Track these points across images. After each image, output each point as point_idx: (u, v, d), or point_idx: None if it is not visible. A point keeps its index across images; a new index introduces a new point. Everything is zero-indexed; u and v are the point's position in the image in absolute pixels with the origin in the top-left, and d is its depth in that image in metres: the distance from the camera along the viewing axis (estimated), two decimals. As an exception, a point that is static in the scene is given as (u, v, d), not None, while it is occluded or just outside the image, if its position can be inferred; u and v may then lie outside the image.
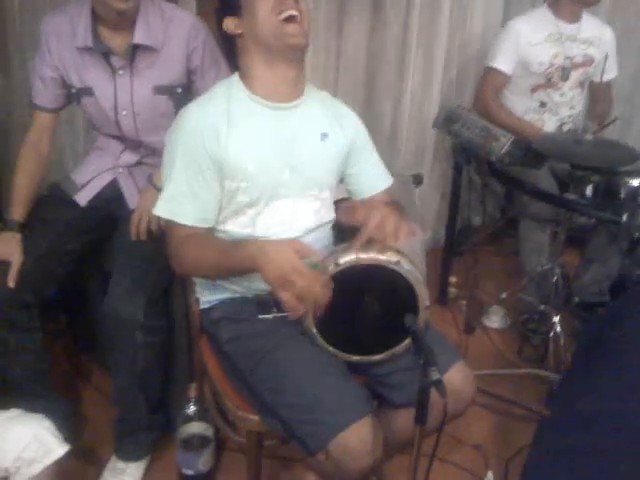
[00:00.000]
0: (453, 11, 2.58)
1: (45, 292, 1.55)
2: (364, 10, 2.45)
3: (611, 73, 2.38)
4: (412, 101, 2.66)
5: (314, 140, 1.34)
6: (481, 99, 2.32)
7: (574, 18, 2.29)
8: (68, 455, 1.23)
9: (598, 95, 2.48)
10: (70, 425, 1.50)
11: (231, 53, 1.35)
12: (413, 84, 2.63)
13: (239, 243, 1.24)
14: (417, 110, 2.70)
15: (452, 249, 2.55)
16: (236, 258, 1.20)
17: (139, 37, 1.51)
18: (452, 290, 2.56)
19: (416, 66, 2.60)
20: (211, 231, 1.31)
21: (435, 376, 1.02)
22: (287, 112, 1.31)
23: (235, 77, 1.32)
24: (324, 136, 1.35)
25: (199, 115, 1.26)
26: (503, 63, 2.28)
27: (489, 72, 2.32)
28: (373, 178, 1.46)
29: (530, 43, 2.26)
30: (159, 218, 1.45)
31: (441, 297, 2.56)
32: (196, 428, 1.57)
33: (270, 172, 1.29)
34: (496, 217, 2.86)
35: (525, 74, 2.31)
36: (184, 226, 1.26)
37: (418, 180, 2.53)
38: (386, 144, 2.68)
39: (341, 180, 1.46)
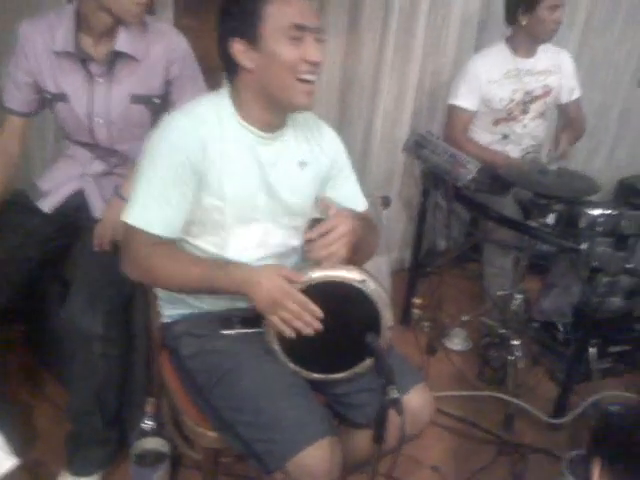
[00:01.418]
0: (427, 36, 2.63)
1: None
2: (339, 31, 2.48)
3: (576, 93, 2.46)
4: (384, 124, 2.70)
5: (292, 169, 1.33)
6: (451, 137, 2.37)
7: (530, 53, 2.37)
8: (18, 469, 1.19)
9: (570, 114, 2.54)
10: (21, 438, 1.45)
11: (228, 71, 1.26)
12: (385, 107, 2.67)
13: (224, 265, 1.23)
14: (388, 133, 2.74)
15: (417, 271, 2.58)
16: (221, 280, 1.20)
17: (121, 45, 1.51)
18: (415, 311, 2.58)
19: (389, 89, 2.64)
20: (176, 243, 1.28)
21: (393, 395, 1.03)
22: (271, 141, 1.30)
23: (225, 96, 1.27)
24: (303, 164, 1.34)
25: (187, 126, 1.22)
26: (466, 101, 2.35)
27: (454, 110, 2.39)
28: (350, 200, 1.45)
29: (490, 81, 2.33)
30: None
31: (404, 318, 2.59)
32: (152, 444, 1.54)
33: (246, 198, 1.28)
34: (461, 241, 2.91)
35: (487, 110, 2.38)
36: (153, 235, 1.22)
37: (386, 202, 2.57)
38: (357, 165, 2.68)
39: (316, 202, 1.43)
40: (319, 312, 1.15)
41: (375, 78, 2.60)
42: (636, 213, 1.89)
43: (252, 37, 1.19)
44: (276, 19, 1.17)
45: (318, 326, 1.16)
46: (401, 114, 2.71)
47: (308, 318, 1.15)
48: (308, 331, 1.16)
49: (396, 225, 2.95)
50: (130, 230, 1.24)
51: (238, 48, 1.20)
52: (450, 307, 2.64)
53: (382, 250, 2.57)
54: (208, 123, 1.24)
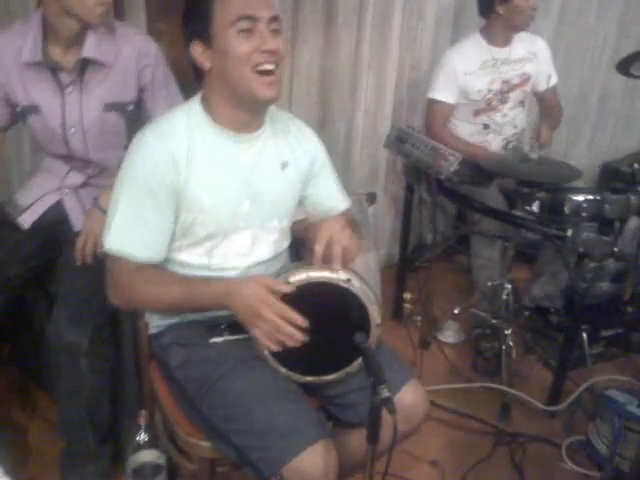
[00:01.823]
0: (403, 31, 2.63)
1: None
2: (316, 30, 2.48)
3: (553, 79, 2.47)
4: (365, 121, 2.69)
5: (274, 170, 1.32)
6: (431, 131, 2.38)
7: (506, 42, 2.38)
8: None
9: (548, 101, 2.55)
10: (14, 457, 1.44)
11: (196, 76, 1.26)
12: (366, 104, 2.67)
13: (204, 281, 1.22)
14: (370, 130, 2.73)
15: (406, 266, 2.58)
16: (202, 296, 1.19)
17: (89, 51, 1.49)
18: (407, 306, 2.58)
19: (368, 86, 2.64)
20: (161, 265, 1.27)
21: (384, 394, 1.02)
22: (249, 143, 1.28)
23: (196, 102, 1.26)
24: (284, 165, 1.33)
25: (157, 146, 1.19)
26: (444, 94, 2.36)
27: (433, 104, 2.39)
28: (331, 199, 1.45)
29: (466, 72, 2.33)
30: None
31: (396, 313, 2.59)
32: (147, 456, 1.52)
33: (228, 205, 1.26)
34: (449, 235, 2.92)
35: (466, 101, 2.39)
36: (134, 262, 1.21)
37: (371, 199, 2.56)
38: (340, 163, 2.70)
39: (299, 203, 1.44)
40: (301, 321, 1.12)
41: (354, 75, 2.60)
42: (619, 197, 1.91)
43: (206, 37, 1.18)
44: (223, 14, 1.16)
45: (301, 338, 1.12)
46: (382, 110, 2.71)
47: (289, 330, 1.11)
48: (292, 344, 1.13)
49: (384, 221, 2.95)
50: (111, 258, 1.23)
51: (196, 50, 1.20)
52: (441, 300, 2.64)
53: (370, 247, 2.56)
54: (177, 137, 1.21)
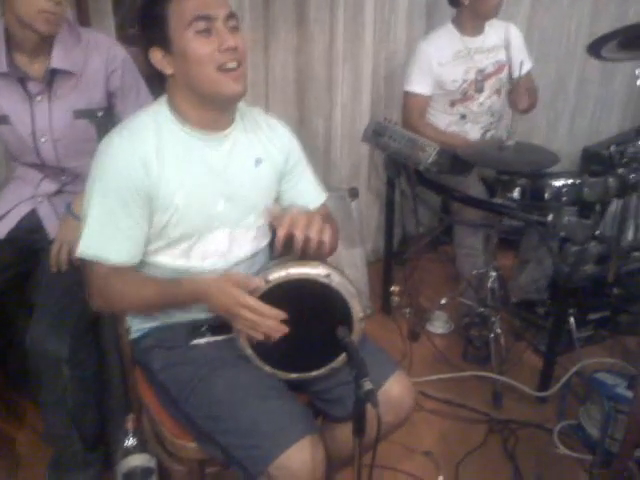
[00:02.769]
0: (376, 24, 2.62)
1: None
2: (289, 27, 2.47)
3: (526, 65, 2.46)
4: (343, 116, 2.69)
5: (248, 167, 1.31)
6: (408, 123, 2.38)
7: (477, 31, 2.38)
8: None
9: (524, 86, 2.54)
10: (2, 468, 1.43)
11: (159, 81, 1.25)
12: (343, 99, 2.66)
13: (176, 280, 1.21)
14: (349, 125, 2.73)
15: (391, 260, 2.58)
16: (175, 296, 1.19)
17: (57, 62, 1.48)
18: (394, 299, 2.58)
19: (344, 81, 2.63)
20: (136, 268, 1.26)
21: (367, 387, 1.02)
22: (219, 141, 1.27)
23: (163, 104, 1.24)
24: (258, 162, 1.32)
25: (126, 147, 1.18)
26: (419, 86, 2.36)
27: (409, 96, 2.39)
28: (307, 194, 1.44)
29: (440, 63, 2.33)
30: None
31: (384, 307, 2.59)
32: (137, 460, 1.51)
33: (202, 206, 1.25)
34: (433, 226, 2.92)
35: (442, 92, 2.39)
36: (108, 265, 1.20)
37: (354, 194, 2.56)
38: (321, 160, 2.70)
39: (276, 199, 1.43)
40: (280, 314, 1.12)
41: (329, 71, 2.59)
42: (597, 180, 1.91)
43: (164, 42, 1.17)
44: (178, 17, 1.15)
45: (284, 329, 1.12)
46: (359, 104, 2.71)
47: (268, 324, 1.11)
48: (276, 335, 1.13)
49: (368, 216, 2.95)
50: (86, 263, 1.22)
51: (157, 56, 1.19)
52: (428, 291, 2.65)
53: (356, 242, 2.56)
54: (146, 139, 1.20)
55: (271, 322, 1.11)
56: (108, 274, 1.20)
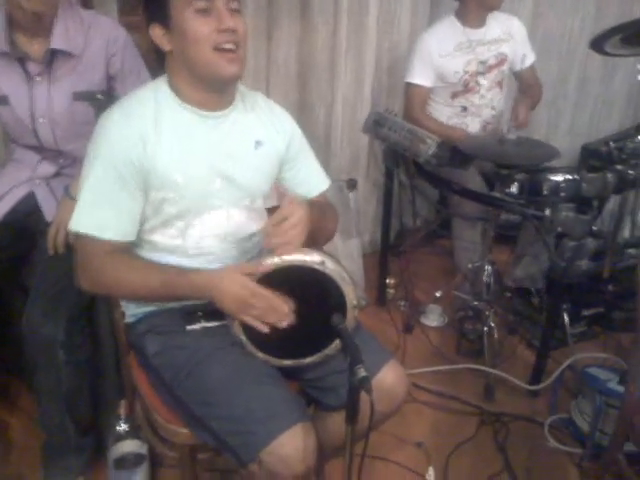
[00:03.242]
0: (380, 15, 2.62)
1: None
2: (292, 16, 2.46)
3: (530, 58, 2.47)
4: (344, 106, 2.68)
5: (247, 148, 1.30)
6: (410, 115, 2.38)
7: (480, 23, 2.37)
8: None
9: (527, 81, 2.54)
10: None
11: (158, 59, 1.26)
12: (344, 89, 2.66)
13: (182, 272, 1.20)
14: (350, 115, 2.72)
15: (388, 252, 2.58)
16: (183, 287, 1.18)
17: (57, 42, 1.47)
18: (390, 291, 2.59)
19: (347, 71, 2.63)
20: (133, 248, 1.25)
21: (361, 374, 1.02)
22: (218, 120, 1.26)
23: (163, 81, 1.25)
24: (258, 144, 1.31)
25: (124, 122, 1.19)
26: (421, 77, 2.35)
27: (410, 88, 2.39)
28: (309, 181, 1.44)
29: (441, 55, 2.33)
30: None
31: (380, 298, 2.59)
32: (129, 446, 1.52)
33: (200, 183, 1.24)
34: (431, 219, 2.92)
35: (443, 84, 2.38)
36: (105, 241, 1.19)
37: (352, 185, 2.56)
38: (321, 150, 2.69)
39: (279, 181, 1.42)
40: (290, 304, 1.15)
41: (332, 61, 2.58)
42: (595, 176, 1.91)
43: (164, 20, 1.18)
44: None
45: (292, 318, 1.15)
46: (361, 94, 2.70)
47: (282, 310, 1.14)
48: (283, 324, 1.15)
49: (366, 207, 2.95)
50: (80, 239, 1.20)
51: (156, 33, 1.20)
52: (424, 284, 2.65)
53: (353, 233, 2.56)
54: (144, 113, 1.20)
55: (284, 310, 1.14)
56: (104, 253, 1.19)
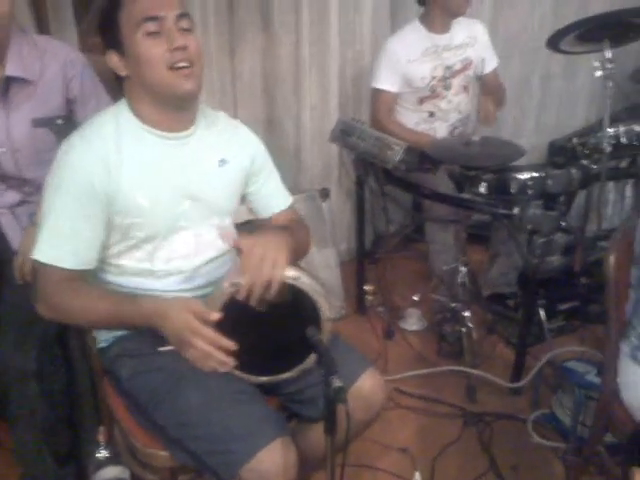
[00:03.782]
0: (341, 25, 2.64)
1: None
2: (254, 30, 2.47)
3: (492, 62, 2.50)
4: (312, 117, 2.69)
5: (212, 167, 1.31)
6: (376, 121, 2.39)
7: (445, 28, 2.39)
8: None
9: (489, 85, 2.55)
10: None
11: (119, 84, 1.26)
12: (311, 100, 2.67)
13: (132, 298, 1.20)
14: (318, 126, 2.73)
15: (364, 259, 2.59)
16: (131, 313, 1.17)
17: (11, 69, 1.45)
18: (368, 298, 2.59)
19: (312, 82, 2.64)
20: (88, 275, 1.24)
21: (336, 384, 1.02)
22: (181, 141, 1.26)
23: (123, 105, 1.25)
24: (222, 162, 1.32)
25: (85, 148, 1.18)
26: (387, 83, 2.37)
27: (376, 93, 2.40)
28: (272, 197, 1.45)
29: (409, 60, 2.34)
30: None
31: (359, 306, 2.59)
32: (110, 473, 1.48)
33: (167, 206, 1.24)
34: (406, 224, 2.93)
35: (410, 89, 2.40)
36: (64, 269, 1.18)
37: (325, 194, 2.56)
38: (292, 161, 2.70)
39: (242, 200, 1.44)
40: (232, 345, 1.13)
41: (296, 73, 2.60)
42: (560, 172, 1.94)
43: (118, 46, 1.19)
44: (128, 20, 1.17)
45: (232, 363, 1.15)
46: (327, 105, 2.71)
47: (219, 357, 1.13)
48: (223, 370, 1.15)
49: (340, 216, 2.95)
50: (39, 267, 1.19)
51: (113, 59, 1.21)
52: (402, 289, 2.66)
53: (328, 242, 2.56)
54: (106, 138, 1.20)
55: (222, 357, 1.13)
56: (60, 282, 1.18)
